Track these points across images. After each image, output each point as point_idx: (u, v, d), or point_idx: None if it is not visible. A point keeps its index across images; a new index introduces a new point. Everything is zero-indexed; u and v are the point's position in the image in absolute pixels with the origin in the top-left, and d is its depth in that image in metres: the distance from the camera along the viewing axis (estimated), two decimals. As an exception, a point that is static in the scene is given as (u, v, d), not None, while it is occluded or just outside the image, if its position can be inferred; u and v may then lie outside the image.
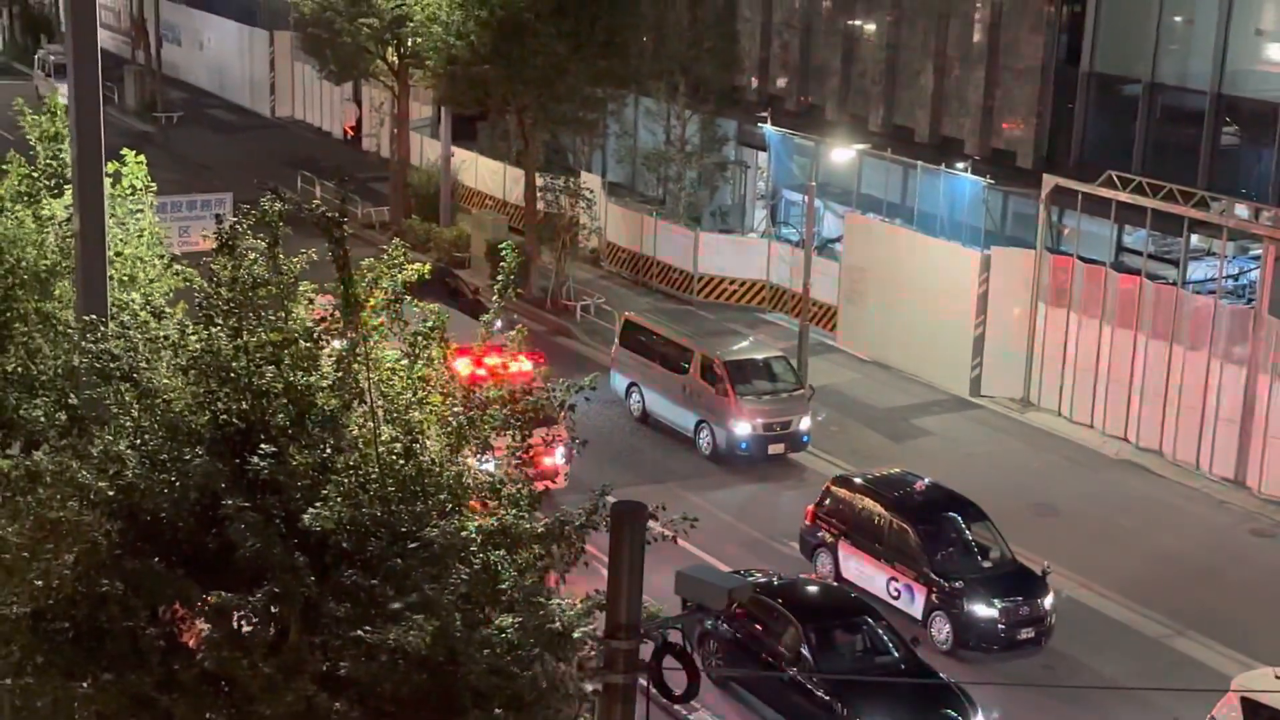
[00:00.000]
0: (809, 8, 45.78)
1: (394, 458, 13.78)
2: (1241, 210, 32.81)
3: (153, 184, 21.48)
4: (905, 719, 22.73)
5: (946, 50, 41.20)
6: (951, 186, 38.97)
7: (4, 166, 21.04)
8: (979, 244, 37.75)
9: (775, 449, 33.14)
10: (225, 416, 13.99)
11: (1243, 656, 25.76)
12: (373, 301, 14.55)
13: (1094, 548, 29.81)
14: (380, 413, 14.12)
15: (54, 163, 20.88)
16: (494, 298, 15.84)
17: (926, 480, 28.57)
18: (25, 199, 20.40)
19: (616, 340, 36.42)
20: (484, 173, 51.35)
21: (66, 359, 16.69)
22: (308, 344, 14.28)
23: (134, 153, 21.34)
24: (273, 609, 12.95)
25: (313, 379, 14.14)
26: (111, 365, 14.34)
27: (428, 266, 16.28)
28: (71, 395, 15.50)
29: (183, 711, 13.30)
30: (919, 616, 26.30)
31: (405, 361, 14.61)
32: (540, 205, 44.18)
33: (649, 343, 35.14)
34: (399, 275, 15.08)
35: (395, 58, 47.40)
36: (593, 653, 13.38)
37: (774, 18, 46.70)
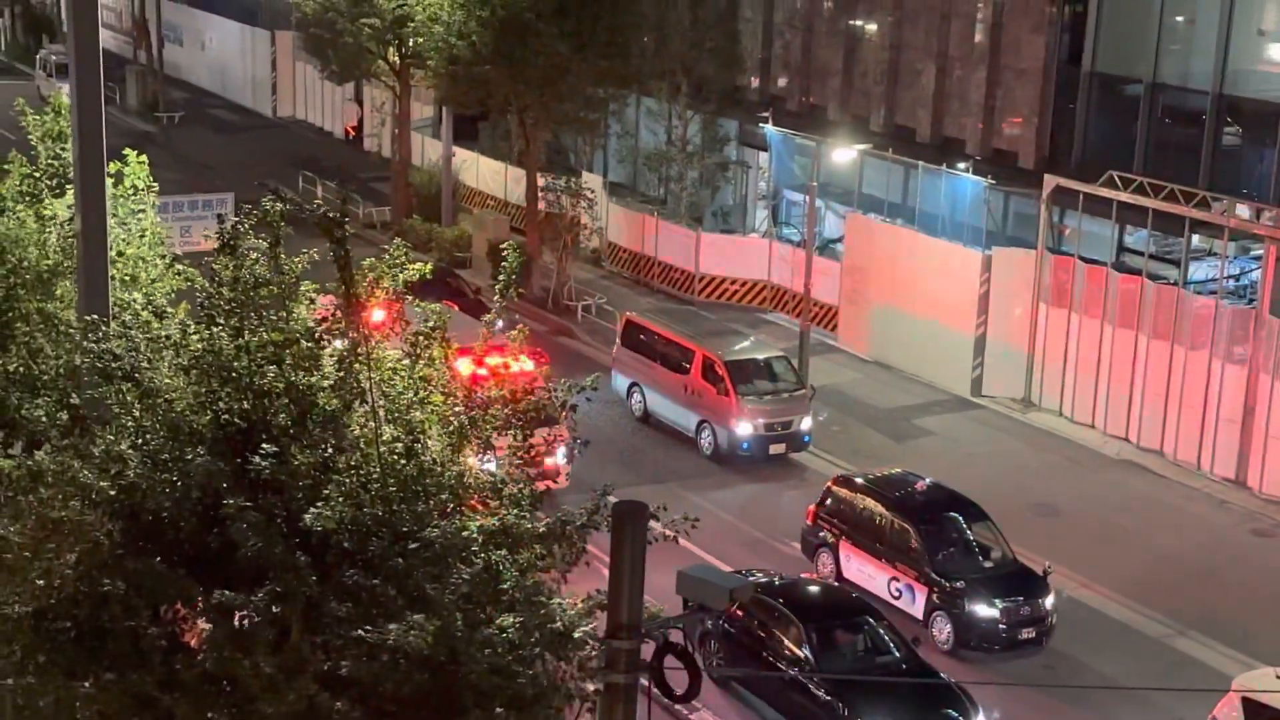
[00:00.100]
0: (810, 8, 45.79)
1: (395, 457, 13.79)
2: (1243, 210, 32.81)
3: (154, 184, 21.49)
4: (906, 719, 22.74)
5: (948, 50, 41.22)
6: (953, 187, 38.99)
7: (6, 166, 21.06)
8: (980, 244, 37.77)
9: (776, 449, 33.15)
10: (227, 416, 14.00)
11: (1243, 656, 25.76)
12: (374, 302, 14.57)
13: (1095, 548, 29.81)
14: (382, 412, 14.13)
15: (55, 162, 20.89)
16: (495, 298, 15.85)
17: (928, 480, 28.58)
18: (27, 199, 20.42)
19: (618, 340, 36.43)
20: (485, 173, 51.35)
21: (68, 359, 16.70)
22: (309, 344, 14.28)
23: (136, 152, 21.35)
24: (274, 609, 12.96)
25: (314, 379, 14.14)
26: (113, 365, 14.35)
27: (429, 266, 16.29)
28: (73, 395, 15.51)
29: (184, 711, 13.31)
30: (920, 616, 26.30)
31: (407, 361, 14.62)
32: (542, 205, 44.19)
33: (650, 343, 35.15)
34: (400, 275, 15.10)
35: (397, 58, 47.42)
36: (594, 652, 13.39)
37: (775, 17, 46.74)
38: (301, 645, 13.10)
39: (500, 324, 16.19)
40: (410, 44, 45.57)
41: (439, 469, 13.91)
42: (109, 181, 19.12)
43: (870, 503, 27.62)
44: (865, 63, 43.85)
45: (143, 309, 16.57)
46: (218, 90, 70.80)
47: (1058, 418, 35.88)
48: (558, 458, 25.50)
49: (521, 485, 14.24)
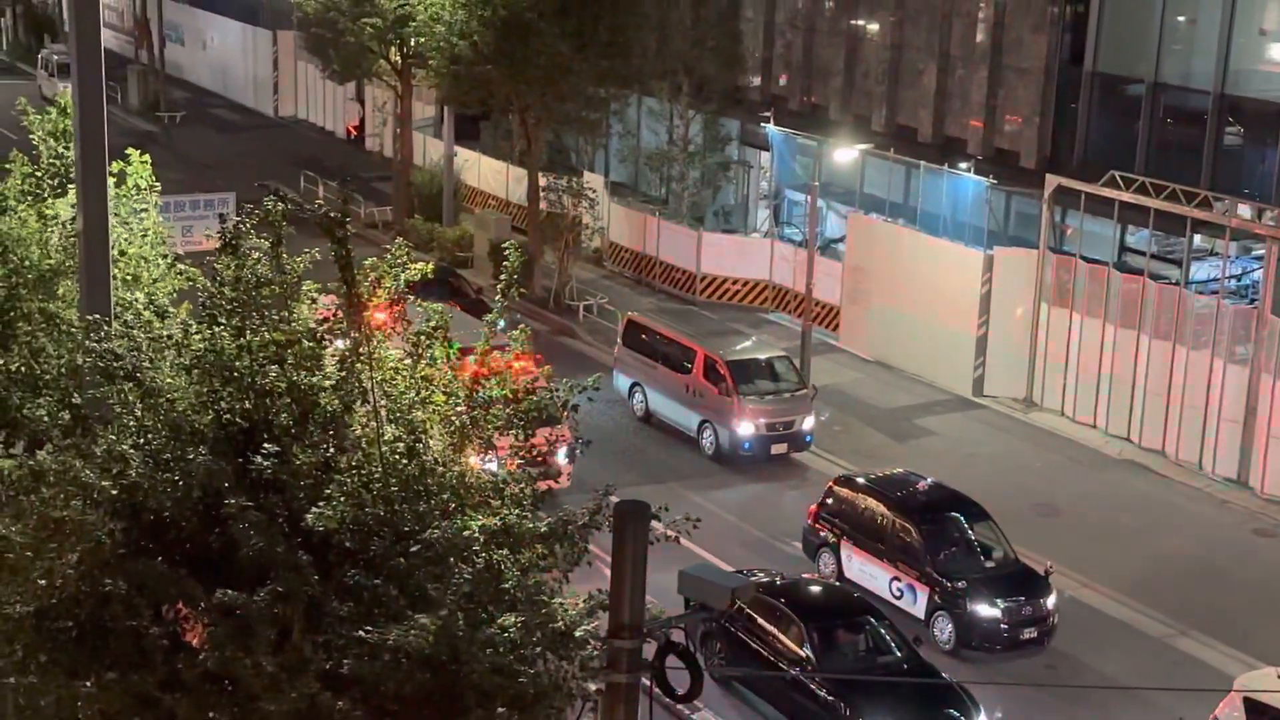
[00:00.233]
0: (812, 7, 45.79)
1: (397, 457, 13.79)
2: (1244, 210, 32.80)
3: (157, 184, 21.49)
4: (908, 719, 22.74)
5: (949, 50, 41.22)
6: (954, 186, 38.99)
7: (8, 166, 21.06)
8: (982, 244, 37.76)
9: (778, 449, 33.15)
10: (228, 416, 14.00)
11: (1245, 656, 25.76)
12: (376, 302, 14.57)
13: (1096, 547, 29.81)
14: (383, 412, 14.14)
15: (57, 162, 20.88)
16: (497, 297, 15.85)
17: (929, 480, 28.57)
18: (29, 198, 20.42)
19: (619, 340, 36.43)
20: (487, 172, 51.36)
21: (70, 358, 16.69)
22: (311, 344, 14.29)
23: (139, 152, 21.34)
24: (276, 608, 12.96)
25: (316, 379, 14.15)
26: (115, 365, 14.34)
27: (430, 266, 16.29)
28: (75, 395, 15.51)
29: (186, 710, 13.31)
30: (921, 616, 26.31)
31: (408, 361, 14.62)
32: (543, 205, 44.18)
33: (652, 342, 35.15)
34: (402, 275, 15.10)
35: (398, 57, 47.41)
36: (596, 652, 13.39)
37: (777, 17, 46.74)
38: (303, 645, 13.11)
39: (502, 324, 16.19)
40: (412, 43, 45.57)
41: (440, 469, 13.91)
42: (111, 181, 19.12)
43: (872, 502, 27.61)
44: (867, 62, 43.85)
45: (145, 308, 16.60)
46: (219, 90, 70.80)
47: (1059, 417, 35.87)
48: (560, 457, 25.57)
49: (523, 485, 14.24)
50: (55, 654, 13.28)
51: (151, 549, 13.57)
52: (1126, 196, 33.91)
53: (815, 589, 25.74)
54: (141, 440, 13.93)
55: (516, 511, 13.89)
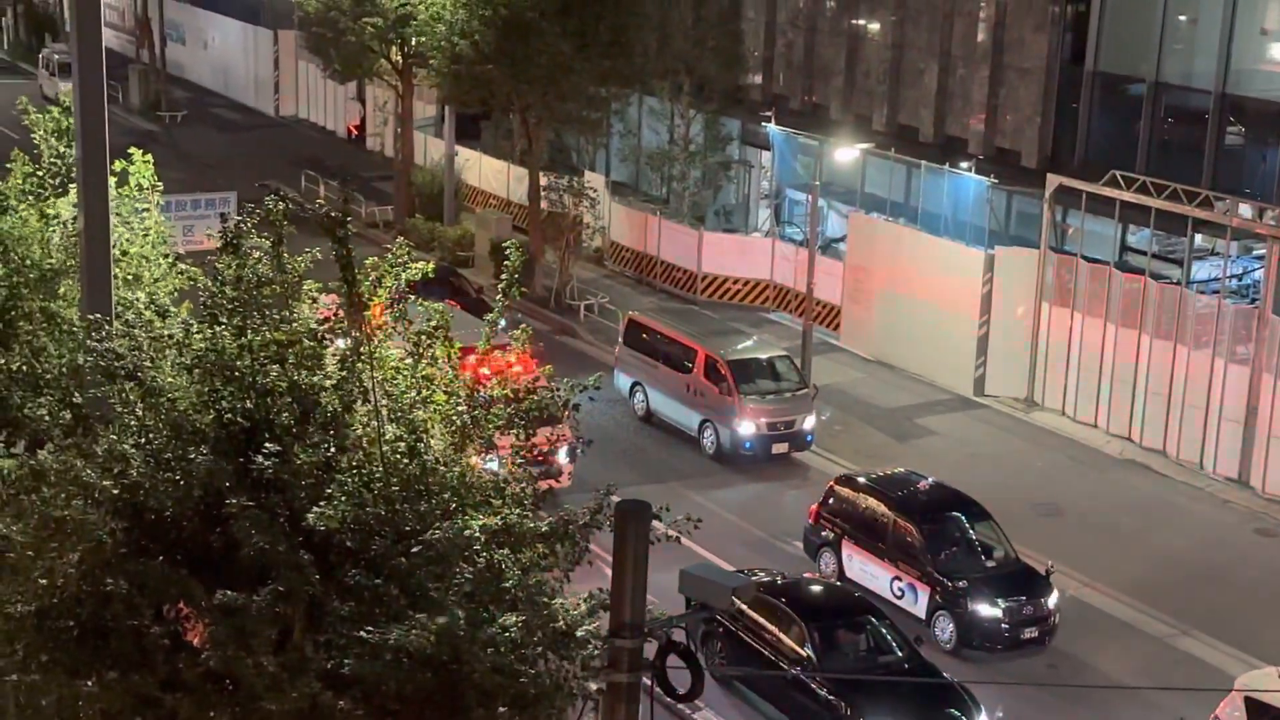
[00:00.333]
0: (813, 7, 45.80)
1: (398, 457, 13.80)
2: (1245, 210, 32.79)
3: (159, 183, 21.48)
4: (909, 718, 22.73)
5: (951, 49, 41.23)
6: (955, 186, 38.98)
7: (9, 165, 21.05)
8: (983, 243, 37.76)
9: (779, 448, 33.14)
10: (230, 415, 14.00)
11: (1246, 656, 25.76)
12: (377, 301, 14.57)
13: (1097, 547, 29.80)
14: (384, 412, 14.14)
15: (59, 161, 20.87)
16: (498, 297, 15.84)
17: (930, 480, 28.57)
18: (31, 197, 20.41)
19: (620, 339, 36.42)
20: (488, 172, 51.36)
21: (71, 358, 16.69)
22: (312, 343, 14.29)
23: (142, 151, 21.33)
24: (277, 607, 12.96)
25: (317, 378, 14.15)
26: (116, 364, 14.35)
27: (431, 266, 16.29)
28: (76, 394, 15.50)
29: (187, 710, 13.32)
30: (922, 616, 26.31)
31: (409, 361, 14.62)
32: (544, 204, 44.19)
33: (653, 342, 35.15)
34: (403, 274, 15.10)
35: (399, 57, 47.41)
36: (597, 652, 13.39)
37: (778, 17, 46.75)
38: (304, 644, 13.12)
39: (503, 323, 16.19)
40: (413, 43, 45.57)
41: (441, 468, 13.91)
42: (113, 181, 19.11)
43: (873, 502, 27.61)
44: (868, 62, 43.85)
45: (146, 308, 16.56)
46: (220, 89, 70.81)
47: (1060, 417, 35.87)
48: (561, 457, 25.58)
49: (524, 484, 14.25)
50: (56, 653, 13.28)
51: (153, 548, 13.58)
52: (1128, 196, 33.90)
53: (816, 588, 25.74)
54: (143, 440, 13.94)
55: (518, 511, 13.90)
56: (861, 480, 28.56)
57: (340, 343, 14.52)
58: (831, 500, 28.33)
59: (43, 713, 13.57)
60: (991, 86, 39.81)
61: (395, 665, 12.73)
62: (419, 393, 14.38)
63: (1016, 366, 36.71)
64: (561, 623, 13.52)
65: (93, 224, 17.39)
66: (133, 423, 14.11)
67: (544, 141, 45.65)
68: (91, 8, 17.43)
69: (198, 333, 14.42)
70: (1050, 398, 36.27)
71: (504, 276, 15.80)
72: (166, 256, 20.83)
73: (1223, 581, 28.89)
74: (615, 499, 13.09)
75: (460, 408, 14.46)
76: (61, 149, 20.92)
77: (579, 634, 13.55)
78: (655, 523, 12.26)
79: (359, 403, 14.16)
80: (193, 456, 13.57)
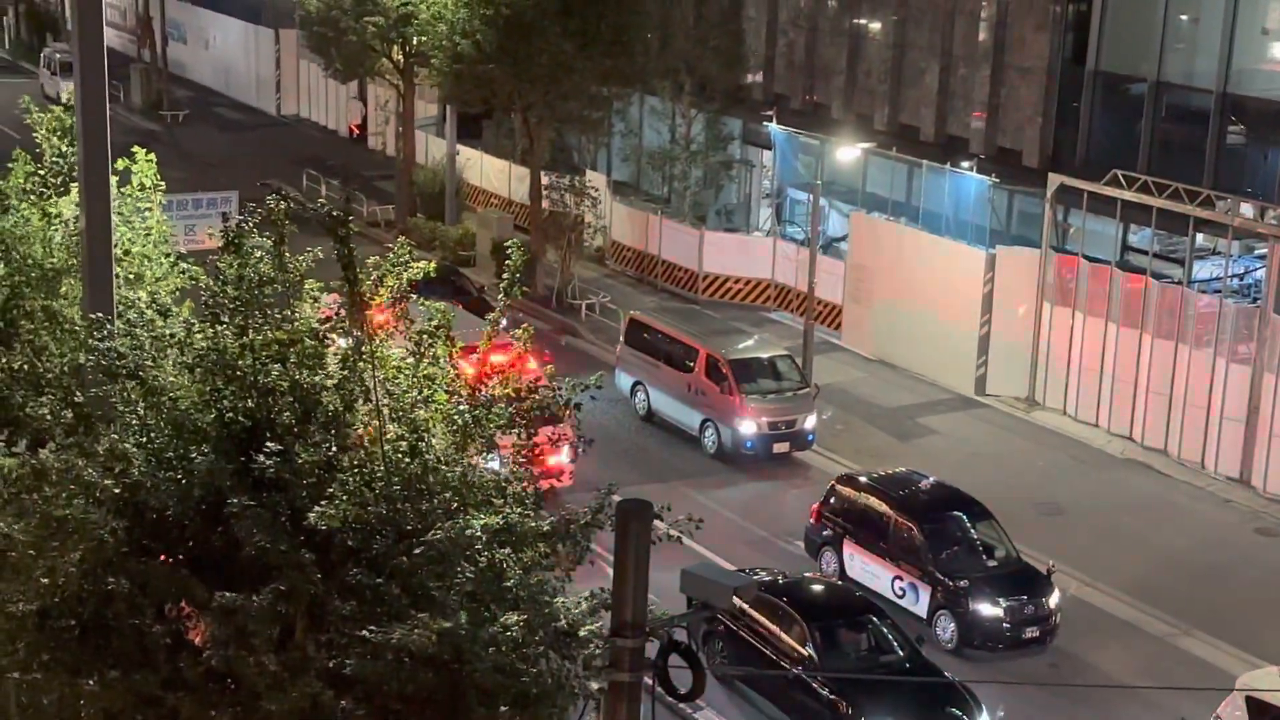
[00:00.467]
0: (815, 6, 45.80)
1: (399, 456, 13.80)
2: (1247, 209, 32.78)
3: (161, 182, 21.48)
4: (910, 718, 22.73)
5: (952, 49, 41.22)
6: (957, 185, 38.98)
7: (11, 164, 21.05)
8: (984, 243, 37.75)
9: (780, 448, 33.14)
10: (231, 414, 14.00)
11: (1248, 655, 25.75)
12: (379, 300, 14.58)
13: (1099, 546, 29.80)
14: (386, 411, 14.14)
15: (60, 160, 20.87)
16: (500, 296, 15.85)
17: (931, 479, 28.57)
18: (32, 196, 20.41)
19: (621, 339, 36.42)
20: (489, 171, 51.38)
21: (73, 357, 16.69)
22: (313, 342, 14.29)
23: (145, 150, 21.33)
24: (279, 607, 12.97)
25: (318, 377, 14.15)
26: (118, 363, 14.36)
27: (433, 265, 16.30)
28: (78, 393, 15.50)
29: (189, 709, 13.32)
30: (924, 615, 26.30)
31: (411, 360, 14.63)
32: (545, 204, 44.20)
33: (654, 341, 35.15)
34: (404, 274, 15.10)
35: (401, 56, 47.42)
36: (598, 651, 13.39)
37: (780, 16, 46.75)
38: (306, 644, 13.12)
39: (504, 322, 16.20)
40: (414, 42, 45.57)
41: (443, 467, 13.91)
42: (114, 180, 19.11)
43: (874, 501, 27.61)
44: (869, 61, 43.85)
45: (147, 307, 16.56)
46: (222, 88, 70.81)
47: (1062, 416, 35.86)
48: (562, 456, 25.57)
49: (525, 484, 14.25)
50: (58, 653, 13.29)
51: (154, 548, 13.59)
52: (1129, 195, 33.89)
53: (818, 588, 25.73)
54: (144, 439, 13.95)
55: (519, 510, 13.89)
56: (863, 479, 28.56)
57: (342, 342, 14.52)
58: (833, 499, 28.33)
59: (44, 712, 13.59)
60: (993, 86, 39.80)
61: (397, 665, 12.73)
62: (420, 392, 14.38)
63: (1018, 366, 36.70)
64: (563, 622, 13.52)
65: (94, 223, 17.39)
66: (134, 422, 14.12)
67: (545, 141, 45.65)
68: (93, 7, 17.43)
69: (199, 332, 14.43)
70: (1051, 397, 36.27)
71: (505, 276, 15.80)
72: (168, 256, 20.83)
73: (1224, 581, 28.88)
74: (616, 498, 13.09)
75: (462, 407, 14.46)
76: (63, 148, 20.91)
77: (581, 633, 13.55)
78: (657, 522, 12.26)
79: (360, 402, 14.16)
80: (194, 456, 13.58)
